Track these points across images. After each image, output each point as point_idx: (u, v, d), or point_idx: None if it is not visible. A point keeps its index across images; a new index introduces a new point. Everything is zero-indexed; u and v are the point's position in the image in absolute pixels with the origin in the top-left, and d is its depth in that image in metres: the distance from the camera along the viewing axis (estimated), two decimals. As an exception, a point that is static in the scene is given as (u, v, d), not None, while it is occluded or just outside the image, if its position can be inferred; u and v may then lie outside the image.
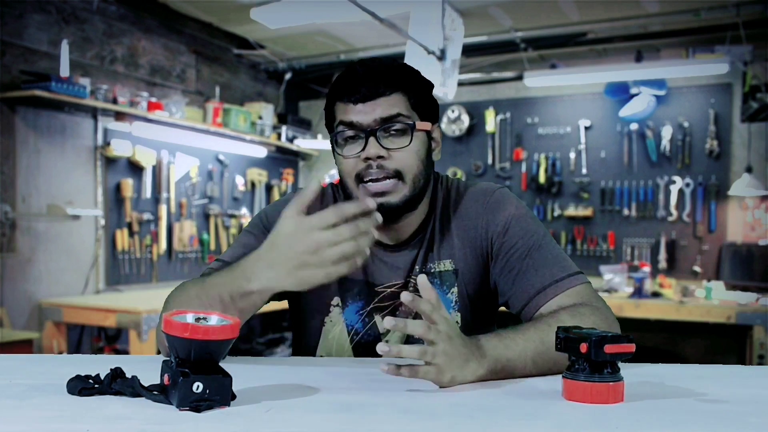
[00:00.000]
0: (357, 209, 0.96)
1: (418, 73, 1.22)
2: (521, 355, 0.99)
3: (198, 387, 0.77)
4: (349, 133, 1.16)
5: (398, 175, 1.15)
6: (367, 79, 1.15)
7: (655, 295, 4.33)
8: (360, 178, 1.16)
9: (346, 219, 0.96)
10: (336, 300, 1.25)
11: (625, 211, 4.97)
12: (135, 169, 4.29)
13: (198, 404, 0.77)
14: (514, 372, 0.99)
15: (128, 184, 4.20)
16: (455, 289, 1.23)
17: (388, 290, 1.23)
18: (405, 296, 0.90)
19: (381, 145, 1.14)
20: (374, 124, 1.14)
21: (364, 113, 1.14)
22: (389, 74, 1.17)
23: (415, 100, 1.18)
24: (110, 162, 4.12)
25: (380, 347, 0.89)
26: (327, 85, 5.83)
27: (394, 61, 1.23)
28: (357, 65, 1.19)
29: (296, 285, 0.98)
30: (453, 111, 5.41)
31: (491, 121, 5.35)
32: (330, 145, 1.24)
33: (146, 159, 4.29)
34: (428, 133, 1.21)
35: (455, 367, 0.92)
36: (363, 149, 1.14)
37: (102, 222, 4.07)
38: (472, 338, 0.97)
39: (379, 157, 1.14)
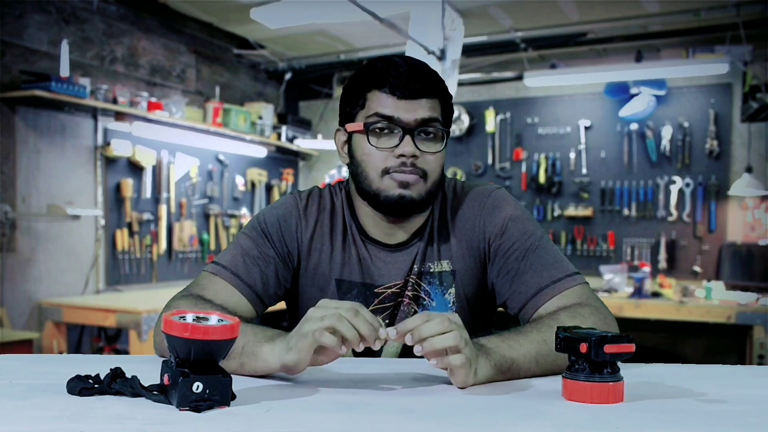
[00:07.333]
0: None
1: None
2: (526, 356, 0.99)
3: (198, 387, 0.77)
4: (385, 125, 1.16)
5: (424, 175, 1.17)
6: (414, 77, 1.15)
7: (655, 295, 4.32)
8: (386, 172, 1.16)
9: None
10: None
11: (625, 211, 4.97)
12: (135, 169, 4.29)
13: (198, 404, 0.77)
14: (519, 373, 0.99)
15: (128, 184, 4.20)
16: (453, 290, 1.23)
17: (389, 290, 1.23)
18: (390, 332, 0.90)
19: (415, 145, 1.15)
20: (414, 123, 1.15)
21: (406, 110, 1.15)
22: (432, 77, 1.18)
23: (445, 107, 1.21)
24: (110, 162, 4.12)
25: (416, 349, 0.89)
26: (327, 86, 5.91)
27: (423, 62, 1.22)
28: (396, 59, 1.19)
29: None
30: (453, 111, 5.40)
31: (491, 121, 5.34)
32: (342, 129, 1.23)
33: (146, 159, 4.29)
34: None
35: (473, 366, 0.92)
36: (397, 145, 1.15)
37: (102, 222, 4.07)
38: (473, 339, 0.97)
39: (413, 156, 1.15)
